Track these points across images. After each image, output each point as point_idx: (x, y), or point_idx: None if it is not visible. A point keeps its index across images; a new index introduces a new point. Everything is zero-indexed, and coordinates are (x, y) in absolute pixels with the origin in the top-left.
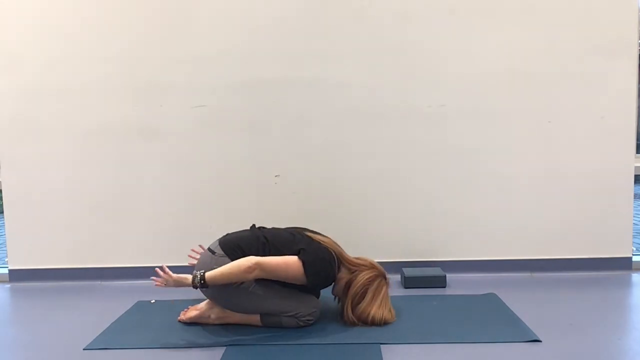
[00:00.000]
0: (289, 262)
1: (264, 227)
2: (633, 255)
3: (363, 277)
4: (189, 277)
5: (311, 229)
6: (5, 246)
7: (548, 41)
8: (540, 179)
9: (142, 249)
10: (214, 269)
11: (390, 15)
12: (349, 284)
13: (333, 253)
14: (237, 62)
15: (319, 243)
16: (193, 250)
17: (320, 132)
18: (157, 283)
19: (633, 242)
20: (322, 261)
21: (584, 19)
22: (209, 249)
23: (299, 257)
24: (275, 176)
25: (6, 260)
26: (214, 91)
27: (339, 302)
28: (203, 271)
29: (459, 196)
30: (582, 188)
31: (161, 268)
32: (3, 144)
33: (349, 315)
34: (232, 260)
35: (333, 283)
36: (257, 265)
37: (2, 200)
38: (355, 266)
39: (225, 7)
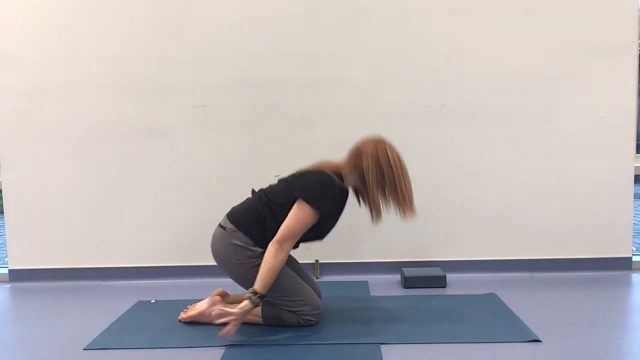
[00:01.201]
0: (297, 213)
1: (262, 188)
2: (633, 255)
3: (367, 157)
4: (246, 302)
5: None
6: (5, 246)
7: (548, 41)
8: (540, 179)
9: (142, 249)
10: (231, 242)
11: (390, 14)
12: (361, 176)
13: (326, 170)
14: (237, 62)
15: (309, 172)
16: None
17: (320, 131)
18: (230, 331)
19: (633, 242)
20: (319, 186)
21: (584, 19)
22: (219, 225)
23: (299, 200)
24: (275, 176)
25: (6, 260)
26: (214, 91)
27: (370, 207)
28: (252, 289)
29: (459, 196)
30: (582, 188)
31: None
32: (3, 144)
33: (379, 204)
34: (244, 232)
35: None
36: (278, 244)
37: (2, 200)
38: (354, 157)
39: (226, 7)
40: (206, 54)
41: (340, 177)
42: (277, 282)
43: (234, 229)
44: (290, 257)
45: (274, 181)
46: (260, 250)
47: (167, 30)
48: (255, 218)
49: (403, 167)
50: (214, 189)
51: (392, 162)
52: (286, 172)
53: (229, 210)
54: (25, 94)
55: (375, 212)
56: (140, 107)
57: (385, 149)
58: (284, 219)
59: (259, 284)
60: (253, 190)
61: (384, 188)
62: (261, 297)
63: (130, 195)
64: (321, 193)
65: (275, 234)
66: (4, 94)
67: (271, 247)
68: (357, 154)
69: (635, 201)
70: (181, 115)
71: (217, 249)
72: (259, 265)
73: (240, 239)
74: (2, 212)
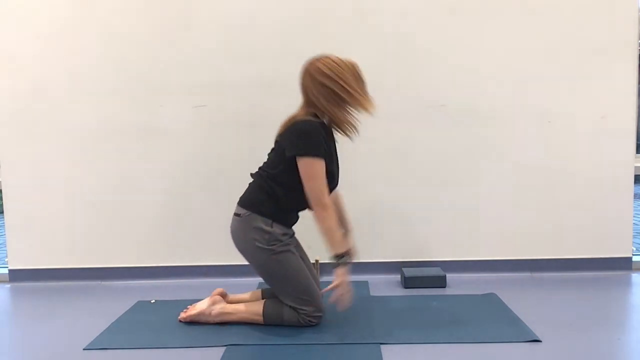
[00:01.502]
0: (305, 171)
1: (258, 167)
2: (633, 255)
3: (307, 83)
4: (338, 269)
5: None
6: (5, 246)
7: (548, 41)
8: (540, 179)
9: (142, 249)
10: (249, 226)
11: (390, 14)
12: (316, 104)
13: (297, 117)
14: (237, 62)
15: (286, 129)
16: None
17: None
18: (345, 301)
19: (633, 242)
20: (301, 134)
21: (584, 19)
22: (234, 214)
23: (297, 158)
24: None
25: (6, 260)
26: (214, 91)
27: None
28: (332, 257)
29: (459, 196)
30: (582, 188)
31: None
32: (3, 144)
33: (343, 118)
34: (258, 212)
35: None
36: (317, 207)
37: (2, 200)
38: (303, 95)
39: (226, 7)
40: (206, 53)
41: (312, 116)
42: (293, 275)
43: (248, 213)
44: (303, 252)
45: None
46: (279, 231)
47: (167, 30)
48: (265, 195)
49: (341, 69)
50: (214, 189)
51: (327, 72)
52: None
53: (231, 210)
54: (25, 94)
55: (347, 128)
56: (140, 107)
57: (317, 66)
58: (291, 183)
59: (331, 248)
60: (252, 174)
61: (337, 101)
62: (343, 255)
63: (130, 195)
64: (307, 139)
65: (288, 202)
66: (4, 94)
67: (315, 214)
68: (302, 89)
69: (635, 201)
70: (181, 116)
71: (237, 237)
72: (278, 254)
73: (257, 221)
74: (2, 212)
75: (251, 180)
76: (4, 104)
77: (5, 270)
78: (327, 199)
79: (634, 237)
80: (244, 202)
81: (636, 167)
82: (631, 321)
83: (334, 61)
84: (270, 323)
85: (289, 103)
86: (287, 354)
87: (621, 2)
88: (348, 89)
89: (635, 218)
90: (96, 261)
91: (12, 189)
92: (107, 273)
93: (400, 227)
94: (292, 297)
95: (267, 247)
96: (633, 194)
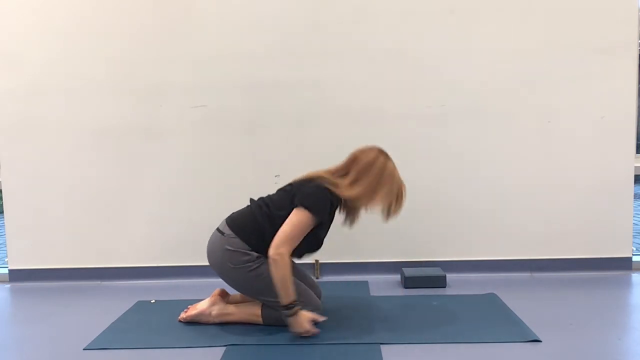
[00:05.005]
0: (294, 218)
1: (261, 197)
2: (633, 255)
3: (361, 162)
4: (288, 320)
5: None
6: (5, 246)
7: (548, 41)
8: (540, 179)
9: (142, 249)
10: (229, 247)
11: (390, 15)
12: (353, 180)
13: (322, 178)
14: (237, 62)
15: (307, 180)
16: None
17: (320, 132)
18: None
19: (633, 242)
20: (317, 192)
21: (584, 19)
22: (217, 229)
23: (297, 206)
24: (275, 176)
25: (6, 260)
26: (214, 91)
27: (347, 218)
28: (281, 308)
29: (459, 196)
30: (582, 188)
31: None
32: (3, 144)
33: (359, 208)
34: (242, 239)
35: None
36: (276, 248)
37: (2, 200)
38: (350, 163)
39: (225, 8)
40: (206, 53)
41: (334, 185)
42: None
43: (233, 235)
44: None
45: (274, 180)
46: (257, 254)
47: (167, 30)
48: (255, 228)
49: (395, 179)
50: (213, 189)
51: (386, 171)
52: (286, 172)
53: (227, 215)
54: (25, 94)
55: (352, 214)
56: (140, 107)
57: (382, 159)
58: None
59: (281, 298)
60: (252, 200)
61: (373, 194)
62: (291, 305)
63: (131, 195)
64: (319, 199)
65: None
66: (4, 94)
67: (270, 260)
68: (353, 160)
69: (635, 201)
70: (181, 116)
71: (213, 254)
72: (255, 269)
73: (237, 245)
74: (2, 212)
75: (249, 204)
76: (4, 104)
77: (5, 270)
78: (286, 249)
79: (634, 237)
80: (233, 223)
81: (636, 167)
82: (631, 321)
83: (393, 169)
84: (269, 324)
85: (289, 103)
86: (287, 354)
87: (621, 2)
88: (389, 198)
89: (635, 218)
90: (96, 261)
91: (12, 188)
92: (107, 273)
93: (400, 227)
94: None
95: (241, 267)
96: (633, 194)
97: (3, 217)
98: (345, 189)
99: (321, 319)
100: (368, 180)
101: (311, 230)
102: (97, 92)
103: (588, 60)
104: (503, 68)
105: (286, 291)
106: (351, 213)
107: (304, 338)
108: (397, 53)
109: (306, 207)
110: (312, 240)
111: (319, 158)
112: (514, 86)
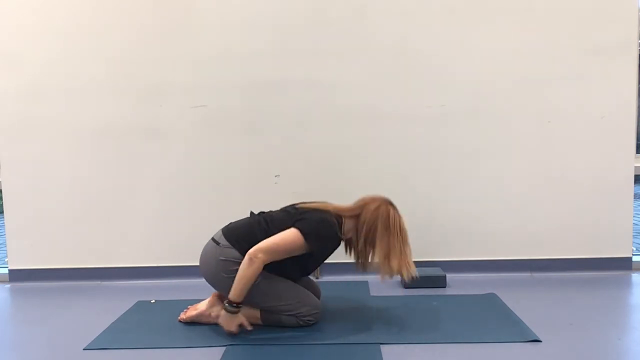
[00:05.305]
0: (287, 235)
1: (262, 212)
2: (633, 255)
3: (368, 211)
4: (222, 312)
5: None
6: (5, 246)
7: (548, 41)
8: (540, 179)
9: (142, 249)
10: (223, 258)
11: (390, 15)
12: (357, 228)
13: (330, 212)
14: (237, 62)
15: (314, 210)
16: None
17: (320, 132)
18: (231, 333)
19: (633, 242)
20: (319, 223)
21: (584, 19)
22: (212, 239)
23: (296, 227)
24: (275, 176)
25: (6, 260)
26: (214, 91)
27: (357, 258)
28: (227, 300)
29: (459, 196)
30: (582, 188)
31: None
32: (3, 144)
33: (366, 262)
34: (237, 249)
35: (343, 243)
36: (257, 251)
37: (2, 200)
38: (358, 208)
39: (225, 7)
40: (206, 53)
41: (340, 222)
42: (272, 290)
43: (229, 246)
44: None
45: (274, 180)
46: None
47: (168, 31)
48: (252, 241)
49: (402, 233)
50: (213, 189)
51: (391, 224)
52: (286, 172)
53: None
54: (25, 94)
55: (362, 263)
56: (139, 107)
57: (389, 211)
58: None
59: (232, 293)
60: (252, 213)
61: (374, 246)
62: (236, 305)
63: (131, 195)
64: (319, 232)
65: (270, 263)
66: (4, 94)
67: (246, 257)
68: (361, 205)
69: (635, 201)
70: (181, 116)
71: (207, 263)
72: None
73: (232, 256)
74: (2, 212)
75: (249, 214)
76: (4, 104)
77: (5, 270)
78: (264, 258)
79: (634, 237)
80: (230, 234)
81: (636, 167)
82: (631, 321)
83: (401, 224)
84: (268, 324)
85: (289, 103)
86: (287, 354)
87: (621, 2)
88: (390, 253)
89: (635, 218)
90: (96, 261)
91: (12, 188)
92: (107, 273)
93: None
94: (283, 308)
95: (234, 276)
96: (633, 194)
97: (3, 217)
98: (344, 225)
99: (249, 327)
100: (364, 219)
101: (301, 256)
102: (97, 92)
103: (588, 60)
104: (503, 67)
105: (241, 291)
106: (362, 257)
107: (297, 338)
108: (397, 53)
109: (303, 233)
110: (297, 267)
111: (319, 158)
112: (514, 86)
